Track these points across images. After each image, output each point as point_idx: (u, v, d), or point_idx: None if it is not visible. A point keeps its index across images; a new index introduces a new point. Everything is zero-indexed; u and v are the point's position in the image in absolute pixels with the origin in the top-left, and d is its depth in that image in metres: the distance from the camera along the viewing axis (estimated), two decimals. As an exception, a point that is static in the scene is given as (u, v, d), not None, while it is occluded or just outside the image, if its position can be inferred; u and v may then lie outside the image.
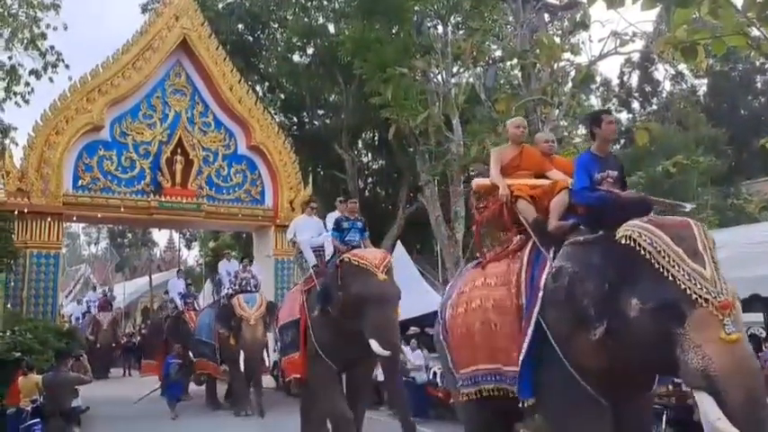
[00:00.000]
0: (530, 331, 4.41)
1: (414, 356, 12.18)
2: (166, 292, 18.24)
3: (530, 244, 4.87)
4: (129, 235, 44.05)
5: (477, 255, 5.79)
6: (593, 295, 3.99)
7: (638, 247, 3.84)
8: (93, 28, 77.09)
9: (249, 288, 12.99)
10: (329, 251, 8.59)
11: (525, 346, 4.42)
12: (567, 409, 4.33)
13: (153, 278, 36.41)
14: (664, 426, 7.69)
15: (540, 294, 4.43)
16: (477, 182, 5.70)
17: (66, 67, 21.10)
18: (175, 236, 40.17)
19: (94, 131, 15.89)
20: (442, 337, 5.70)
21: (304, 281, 8.85)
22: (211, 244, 31.88)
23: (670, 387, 8.92)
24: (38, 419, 7.42)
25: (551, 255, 4.51)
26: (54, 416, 6.98)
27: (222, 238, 29.68)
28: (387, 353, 7.08)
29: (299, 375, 8.42)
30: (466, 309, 5.27)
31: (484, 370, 5.03)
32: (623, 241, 3.93)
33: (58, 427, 7.00)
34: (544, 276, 4.44)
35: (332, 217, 8.89)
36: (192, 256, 41.94)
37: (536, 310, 4.43)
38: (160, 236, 44.04)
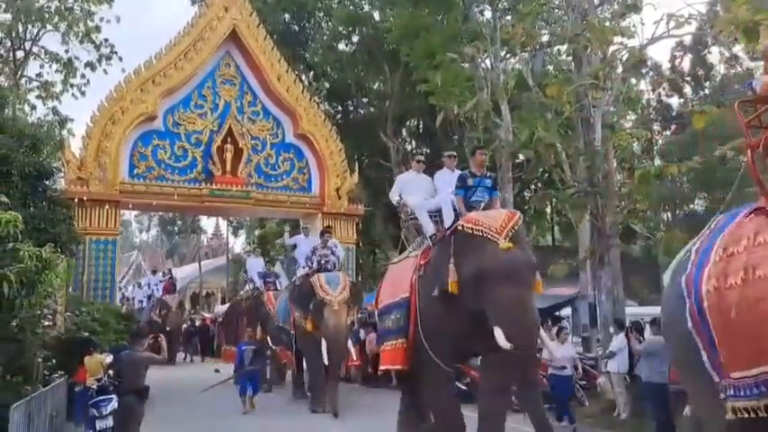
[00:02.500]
0: None
1: (562, 351, 9.67)
2: (245, 271, 17.62)
3: None
4: (180, 222, 45.12)
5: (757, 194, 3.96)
6: None
7: None
8: (144, 20, 78.91)
9: (329, 267, 11.43)
10: (447, 216, 7.01)
11: None
12: None
13: (201, 265, 37.42)
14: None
15: None
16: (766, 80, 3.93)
17: (120, 59, 21.82)
18: (222, 223, 41.07)
19: (149, 121, 16.38)
20: (691, 325, 3.73)
21: (418, 253, 7.27)
22: (257, 232, 32.48)
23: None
24: (104, 397, 7.72)
25: None
26: (128, 393, 7.27)
27: (269, 225, 30.18)
28: (509, 345, 5.54)
29: (399, 366, 7.01)
30: (744, 279, 3.47)
31: None
32: None
33: (131, 403, 7.30)
34: None
35: (441, 176, 7.54)
36: (239, 244, 42.80)
37: None
38: (208, 223, 45.04)
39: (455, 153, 7.66)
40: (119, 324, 12.54)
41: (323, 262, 11.43)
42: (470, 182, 6.75)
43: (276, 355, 13.35)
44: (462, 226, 6.19)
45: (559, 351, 9.33)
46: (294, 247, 13.53)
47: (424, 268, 6.87)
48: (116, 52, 21.83)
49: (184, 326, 23.25)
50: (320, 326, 10.58)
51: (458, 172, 7.31)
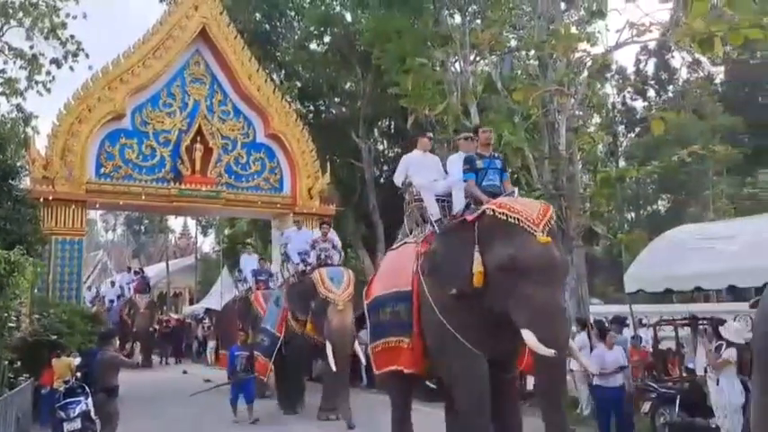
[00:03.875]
0: None
1: (610, 356, 8.27)
2: (239, 271, 16.17)
3: None
4: (147, 221, 44.53)
5: None
6: None
7: None
8: (112, 17, 77.52)
9: (330, 262, 10.38)
10: (458, 202, 6.33)
11: None
12: None
13: (169, 264, 36.96)
14: (677, 410, 7.85)
15: None
16: None
17: (87, 56, 21.50)
18: (191, 223, 40.66)
19: (116, 120, 16.18)
20: None
21: (419, 240, 6.56)
22: (227, 231, 32.24)
23: (684, 373, 9.13)
24: (72, 399, 7.72)
25: None
26: (99, 392, 7.31)
27: (239, 225, 30.00)
28: (550, 352, 4.97)
29: (413, 370, 6.18)
30: None
31: None
32: None
33: (101, 401, 7.34)
34: None
35: (455, 159, 6.71)
36: (207, 244, 42.42)
37: None
38: (177, 223, 44.54)
39: (472, 134, 6.90)
40: (86, 325, 12.40)
41: (323, 257, 10.36)
42: (480, 163, 6.03)
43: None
44: (493, 211, 5.45)
45: (609, 356, 8.22)
46: (285, 245, 12.25)
47: (427, 257, 6.10)
48: (83, 49, 21.50)
49: (156, 327, 22.26)
50: (322, 328, 9.68)
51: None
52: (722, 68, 29.36)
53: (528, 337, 5.10)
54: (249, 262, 15.57)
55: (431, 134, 8.33)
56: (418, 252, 6.32)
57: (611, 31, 43.16)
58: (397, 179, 7.24)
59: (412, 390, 7.09)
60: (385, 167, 25.65)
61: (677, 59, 28.70)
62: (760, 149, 24.80)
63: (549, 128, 11.71)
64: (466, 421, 5.79)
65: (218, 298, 22.55)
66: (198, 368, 18.79)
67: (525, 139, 11.41)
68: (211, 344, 20.90)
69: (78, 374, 8.49)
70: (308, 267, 10.61)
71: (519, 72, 17.89)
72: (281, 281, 12.73)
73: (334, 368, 9.43)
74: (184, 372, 18.10)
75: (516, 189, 6.40)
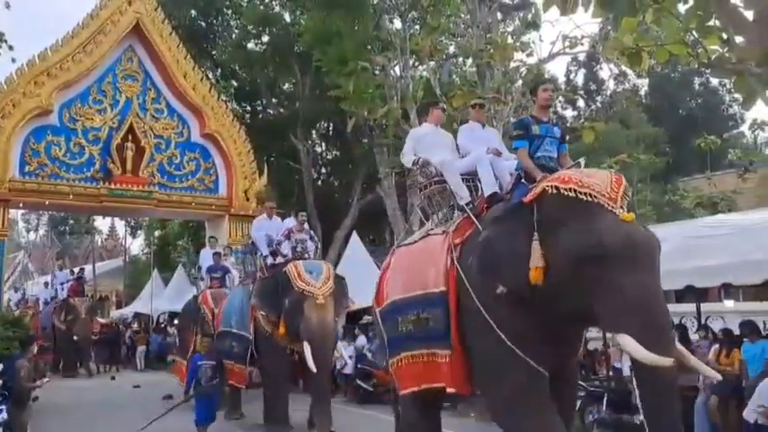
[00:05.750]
0: None
1: None
2: (199, 268, 13.86)
3: None
4: (72, 222, 42.74)
5: None
6: None
7: None
8: (38, 7, 73.85)
9: (307, 255, 9.31)
10: (488, 180, 5.31)
11: None
12: None
13: (95, 267, 35.60)
14: (604, 407, 8.19)
15: None
16: None
17: (10, 48, 20.37)
18: (119, 224, 39.27)
19: (42, 116, 15.50)
20: None
21: (448, 230, 5.37)
22: (158, 233, 31.37)
23: (611, 372, 9.54)
24: (-2, 405, 7.39)
25: None
26: (20, 400, 7.03)
27: (170, 226, 29.25)
28: (665, 360, 3.77)
29: (456, 388, 5.04)
30: None
31: None
32: None
33: (11, 411, 7.07)
34: None
35: (468, 131, 5.91)
36: (136, 245, 41.08)
37: None
38: (104, 223, 42.93)
39: (484, 101, 6.05)
40: (7, 330, 11.77)
41: (299, 249, 9.22)
42: (536, 129, 4.89)
43: (226, 373, 9.99)
44: (556, 187, 4.27)
45: None
46: (252, 244, 10.49)
47: (463, 246, 5.02)
48: (5, 40, 20.37)
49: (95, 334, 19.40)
50: (297, 328, 8.32)
51: (490, 129, 5.87)
52: (646, 81, 30.89)
53: (624, 341, 3.95)
54: (207, 257, 13.37)
55: (443, 104, 7.38)
56: (451, 244, 5.13)
57: (544, 42, 44.79)
58: (406, 158, 6.10)
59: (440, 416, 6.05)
60: (323, 169, 25.63)
61: (605, 71, 29.98)
62: (680, 158, 26.23)
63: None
64: None
65: (147, 302, 21.90)
66: (128, 374, 18.12)
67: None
68: (140, 348, 20.21)
69: (0, 381, 8.08)
70: (280, 260, 9.33)
71: (456, 78, 18.27)
72: (240, 278, 11.64)
73: (313, 368, 8.08)
74: (113, 378, 17.46)
75: (582, 160, 5.22)
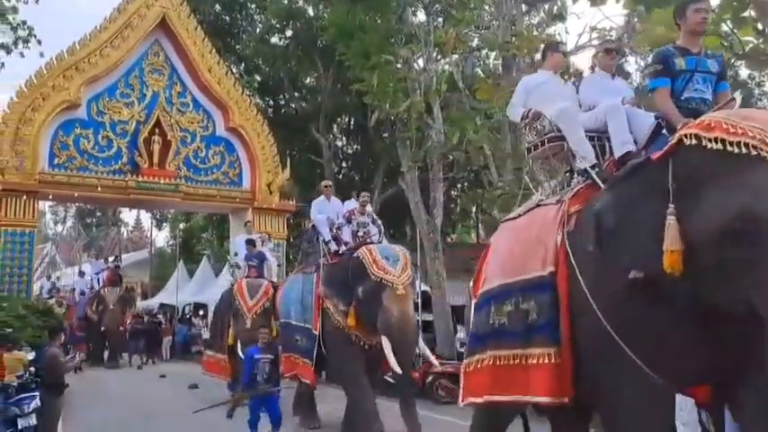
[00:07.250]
0: None
1: None
2: (235, 254, 13.01)
3: None
4: (99, 214, 43.41)
5: None
6: None
7: None
8: (66, 3, 74.88)
9: (369, 240, 8.14)
10: (620, 137, 4.04)
11: None
12: None
13: (122, 259, 36.10)
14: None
15: None
16: None
17: (39, 42, 20.72)
18: (144, 216, 39.79)
19: (71, 109, 15.78)
20: None
21: (566, 198, 4.07)
22: (182, 225, 31.73)
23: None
24: (26, 394, 7.55)
25: None
26: (52, 387, 7.20)
27: (195, 219, 29.57)
28: None
29: (557, 399, 3.76)
30: None
31: None
32: None
33: (43, 399, 7.23)
34: None
35: (592, 82, 4.65)
36: (161, 237, 41.57)
37: None
38: (130, 216, 43.54)
39: (614, 46, 4.87)
40: (38, 319, 12.05)
41: (361, 233, 8.21)
42: (680, 63, 3.70)
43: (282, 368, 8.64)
44: (697, 137, 3.03)
45: None
46: (312, 228, 9.30)
47: (577, 221, 3.81)
48: (35, 35, 20.75)
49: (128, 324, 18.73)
50: (372, 320, 7.40)
51: (619, 79, 4.73)
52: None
53: None
54: (242, 244, 12.26)
55: (564, 46, 6.21)
56: (564, 215, 3.89)
57: (570, 35, 44.23)
58: (514, 110, 4.91)
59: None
60: (344, 163, 25.67)
61: (632, 64, 29.57)
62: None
63: (511, 127, 11.91)
64: None
65: (172, 293, 22.20)
66: (154, 364, 18.30)
67: (487, 138, 11.58)
68: (166, 339, 20.46)
69: (32, 369, 8.27)
70: (343, 247, 8.34)
71: (479, 71, 18.15)
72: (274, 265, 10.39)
73: (398, 370, 7.19)
74: (139, 368, 17.63)
75: (738, 99, 4.06)
